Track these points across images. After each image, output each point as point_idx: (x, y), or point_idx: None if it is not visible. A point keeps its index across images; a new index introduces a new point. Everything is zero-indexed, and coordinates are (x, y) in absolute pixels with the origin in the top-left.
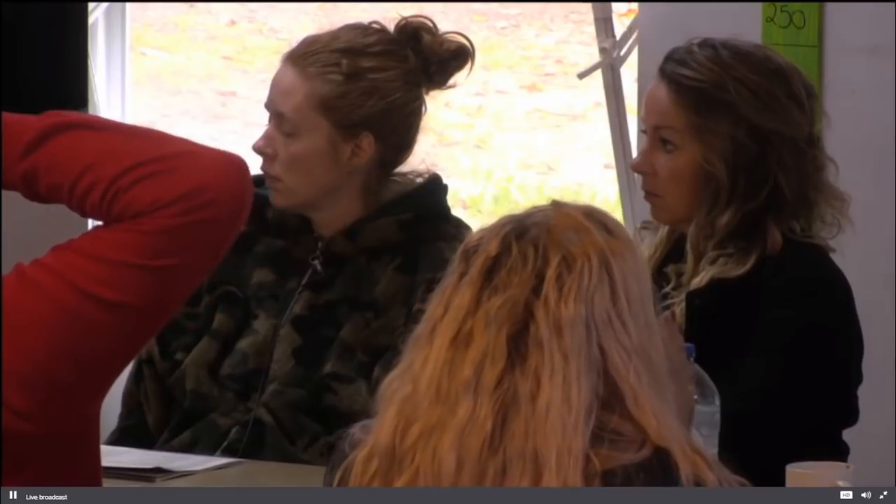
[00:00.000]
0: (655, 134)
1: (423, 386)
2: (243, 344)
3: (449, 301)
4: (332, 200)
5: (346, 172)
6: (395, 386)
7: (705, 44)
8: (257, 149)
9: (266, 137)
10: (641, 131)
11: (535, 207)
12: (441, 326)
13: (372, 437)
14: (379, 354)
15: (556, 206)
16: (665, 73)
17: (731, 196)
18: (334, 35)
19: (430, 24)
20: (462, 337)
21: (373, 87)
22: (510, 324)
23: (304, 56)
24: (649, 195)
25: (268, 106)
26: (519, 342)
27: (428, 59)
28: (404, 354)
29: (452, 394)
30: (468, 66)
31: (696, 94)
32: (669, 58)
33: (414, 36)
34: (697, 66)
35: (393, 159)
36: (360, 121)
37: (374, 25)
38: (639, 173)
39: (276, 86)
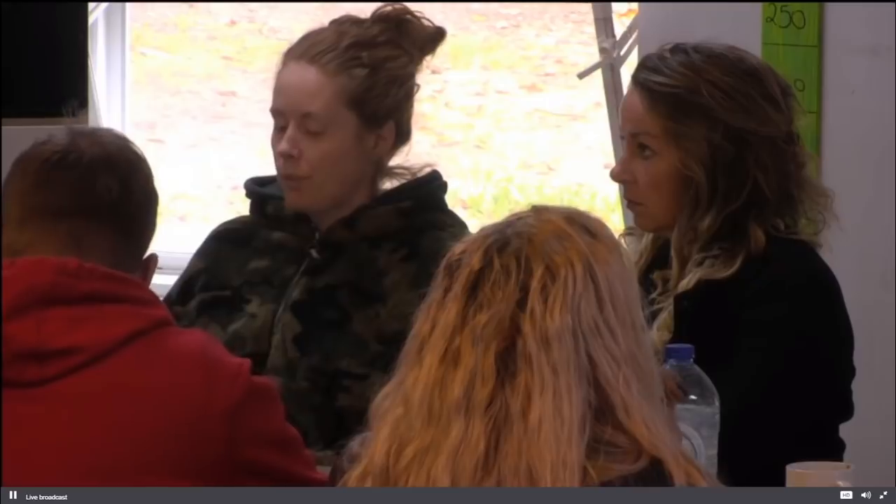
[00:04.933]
0: (633, 141)
1: (415, 406)
2: (237, 326)
3: (435, 318)
4: (350, 194)
5: (367, 163)
6: (387, 404)
7: (677, 49)
8: (284, 152)
9: (290, 140)
10: (621, 137)
11: (515, 214)
12: (429, 344)
13: (366, 455)
14: (391, 341)
15: (538, 212)
16: (638, 81)
17: (712, 199)
18: (338, 31)
19: (408, 9)
20: (450, 355)
21: (393, 76)
22: (498, 341)
23: (320, 55)
24: (631, 204)
25: (284, 108)
26: (507, 359)
27: (415, 42)
28: (396, 371)
29: (444, 415)
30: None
31: (670, 99)
32: (642, 65)
33: (400, 23)
34: (670, 71)
35: (402, 145)
36: (386, 111)
37: (357, 17)
38: (618, 182)
39: (295, 86)
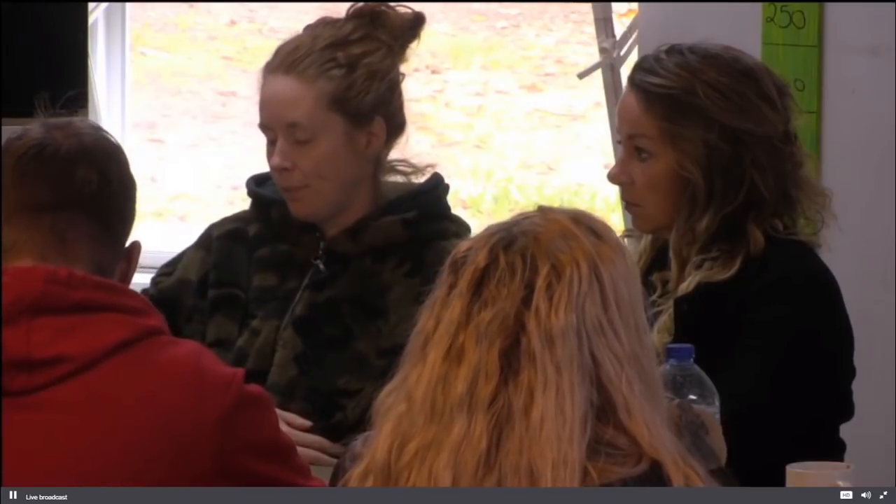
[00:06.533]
0: (630, 143)
1: (418, 403)
2: (241, 342)
3: (440, 314)
4: (353, 196)
5: (364, 162)
6: (390, 402)
7: (673, 50)
8: (277, 166)
9: (281, 153)
10: (617, 142)
11: (521, 214)
12: (433, 341)
13: (368, 454)
14: (391, 353)
15: (544, 212)
16: (634, 83)
17: (709, 200)
18: (311, 36)
19: (384, 2)
20: (454, 352)
21: (371, 71)
22: (502, 338)
23: (295, 63)
24: (629, 205)
25: (270, 122)
26: (511, 356)
27: (393, 33)
28: (399, 368)
29: (447, 411)
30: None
31: (666, 100)
32: (638, 66)
33: (374, 16)
34: (665, 72)
35: (396, 138)
36: (371, 107)
37: (331, 18)
38: (616, 184)
39: (275, 99)
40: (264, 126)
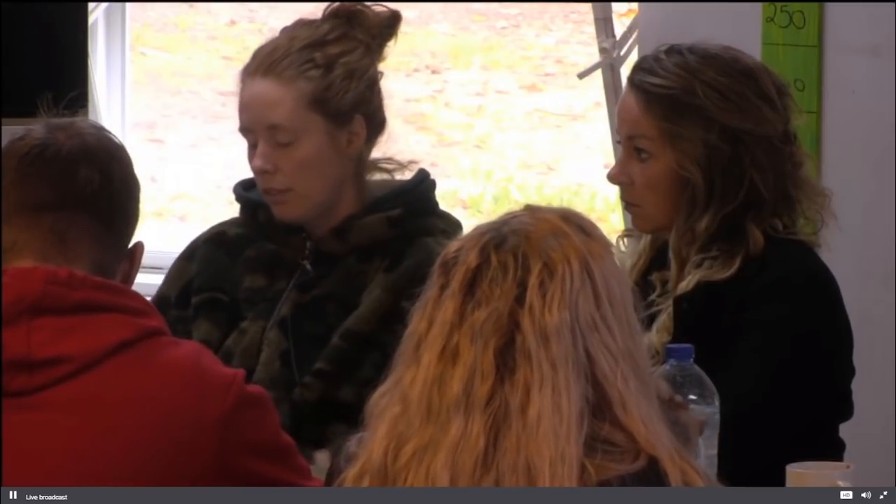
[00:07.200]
0: (629, 143)
1: (414, 404)
2: (229, 342)
3: (432, 315)
4: (337, 196)
5: (346, 161)
6: (385, 403)
7: (672, 50)
8: (258, 169)
9: (262, 155)
10: (617, 142)
11: (509, 213)
12: (426, 342)
13: (363, 454)
14: (352, 338)
15: (532, 211)
16: (634, 83)
17: (709, 200)
18: (288, 37)
19: (357, 1)
20: (449, 352)
21: (349, 70)
22: (497, 337)
23: (273, 64)
24: (629, 205)
25: (250, 125)
26: (506, 355)
27: (370, 31)
28: (392, 370)
29: (443, 412)
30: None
31: (666, 101)
32: (638, 67)
33: (350, 16)
34: (665, 73)
35: (377, 136)
36: (351, 105)
37: (310, 18)
38: (615, 184)
39: (255, 102)
40: (245, 129)
